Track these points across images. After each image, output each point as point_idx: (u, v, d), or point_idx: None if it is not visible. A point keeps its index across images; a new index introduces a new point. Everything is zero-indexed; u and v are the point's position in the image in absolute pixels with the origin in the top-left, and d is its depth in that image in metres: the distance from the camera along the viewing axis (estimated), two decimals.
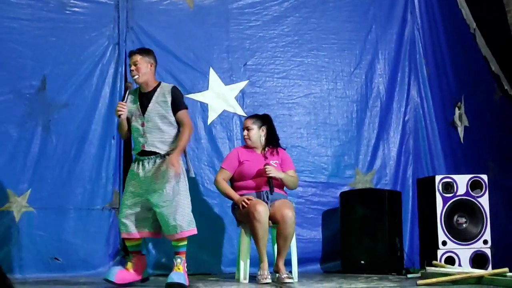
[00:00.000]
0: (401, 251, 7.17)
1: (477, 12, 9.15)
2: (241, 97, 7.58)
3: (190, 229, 5.61)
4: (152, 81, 5.70)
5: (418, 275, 6.23)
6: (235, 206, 6.21)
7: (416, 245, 7.53)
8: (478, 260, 6.88)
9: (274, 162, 6.27)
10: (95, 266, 6.94)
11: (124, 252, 7.18)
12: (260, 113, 6.65)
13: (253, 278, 6.03)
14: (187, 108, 5.73)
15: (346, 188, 7.59)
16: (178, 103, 5.63)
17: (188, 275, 5.61)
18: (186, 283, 5.45)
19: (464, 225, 6.99)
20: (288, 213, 5.91)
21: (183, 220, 5.54)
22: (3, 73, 6.98)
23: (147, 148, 5.59)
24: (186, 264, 5.62)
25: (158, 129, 5.59)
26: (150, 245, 7.10)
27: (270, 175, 6.04)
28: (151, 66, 5.68)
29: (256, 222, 5.82)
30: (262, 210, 5.84)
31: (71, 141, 7.04)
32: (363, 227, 7.10)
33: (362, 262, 7.00)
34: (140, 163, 5.61)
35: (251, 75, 7.65)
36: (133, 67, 5.63)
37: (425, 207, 7.20)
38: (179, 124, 5.64)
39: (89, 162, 7.05)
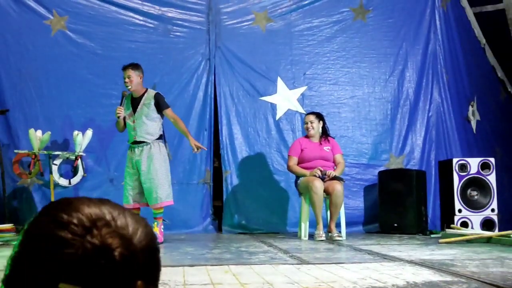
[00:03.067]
0: (426, 217, 7.09)
1: (486, 31, 8.98)
2: (302, 99, 7.59)
3: (168, 201, 5.63)
4: (140, 89, 5.73)
5: (439, 235, 6.17)
6: (297, 181, 6.27)
7: (438, 213, 7.43)
8: (487, 224, 6.77)
9: (326, 148, 6.31)
10: (192, 226, 7.11)
11: (214, 216, 7.33)
12: (316, 111, 6.68)
13: (311, 236, 6.06)
14: (169, 107, 5.76)
15: (382, 168, 7.51)
16: (161, 105, 5.69)
17: (261, 233, 5.67)
18: (160, 240, 5.47)
19: (475, 197, 6.89)
20: (338, 187, 5.94)
21: (162, 193, 5.56)
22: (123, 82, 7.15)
23: (137, 139, 5.67)
24: (162, 226, 5.69)
25: (144, 124, 5.65)
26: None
27: (333, 175, 6.06)
28: (140, 77, 5.70)
29: (314, 193, 5.87)
30: (318, 185, 5.89)
31: (174, 132, 7.13)
32: (396, 199, 7.03)
33: (396, 225, 6.95)
34: (133, 150, 5.70)
35: (309, 82, 7.65)
36: (126, 80, 5.64)
37: (444, 183, 7.12)
38: (169, 119, 5.79)
39: (188, 148, 7.05)
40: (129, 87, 5.65)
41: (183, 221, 7.05)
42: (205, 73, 7.38)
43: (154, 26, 7.33)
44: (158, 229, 5.58)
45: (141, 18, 7.28)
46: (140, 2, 7.28)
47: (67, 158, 6.82)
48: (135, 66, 5.69)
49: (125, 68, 5.70)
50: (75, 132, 6.69)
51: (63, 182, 6.76)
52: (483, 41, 9.01)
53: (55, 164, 6.70)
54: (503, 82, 9.80)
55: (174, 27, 7.36)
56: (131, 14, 7.26)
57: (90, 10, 7.18)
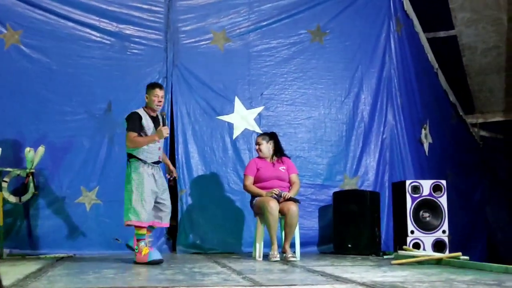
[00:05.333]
0: (379, 238, 7.15)
1: (439, 56, 9.20)
2: (259, 119, 7.61)
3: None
4: None
5: (392, 256, 6.22)
6: (253, 201, 6.25)
7: (391, 234, 7.50)
8: (438, 245, 6.85)
9: (282, 168, 6.32)
10: None
11: (168, 235, 7.24)
12: (269, 131, 6.68)
13: (265, 256, 6.03)
14: None
15: (337, 189, 7.55)
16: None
17: (215, 253, 5.68)
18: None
19: (427, 219, 6.96)
20: (293, 208, 5.94)
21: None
22: (78, 99, 7.07)
23: (159, 159, 5.70)
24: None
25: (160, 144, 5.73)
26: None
27: (288, 197, 6.07)
28: None
29: (269, 214, 5.86)
30: (273, 205, 5.88)
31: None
32: (350, 219, 7.08)
33: (349, 245, 6.98)
34: (155, 169, 5.66)
35: (266, 102, 7.67)
36: (161, 99, 5.65)
37: (398, 205, 7.18)
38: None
39: None
40: (160, 107, 5.66)
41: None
42: None
43: (111, 43, 7.24)
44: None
45: (98, 34, 7.19)
46: (97, 18, 7.19)
47: (18, 175, 6.65)
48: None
49: (162, 87, 5.71)
50: (27, 149, 6.53)
51: (13, 199, 6.59)
52: (436, 65, 9.23)
53: (5, 181, 6.52)
54: (455, 106, 10.05)
55: (131, 44, 7.30)
56: (88, 30, 7.17)
57: (45, 25, 7.06)
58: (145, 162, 5.54)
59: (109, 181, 6.98)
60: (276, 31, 7.74)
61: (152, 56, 7.35)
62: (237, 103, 7.53)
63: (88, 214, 6.92)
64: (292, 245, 6.13)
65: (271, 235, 5.92)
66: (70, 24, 7.12)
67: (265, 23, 7.70)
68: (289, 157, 6.55)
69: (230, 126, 7.50)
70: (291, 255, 5.90)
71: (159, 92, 5.61)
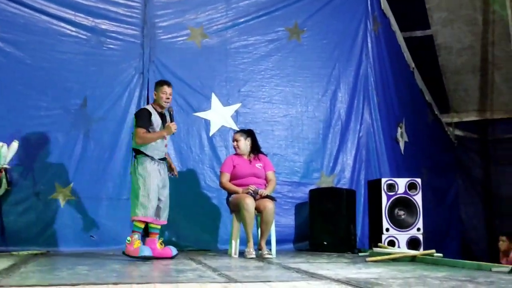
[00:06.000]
0: (355, 235, 7.19)
1: (415, 55, 9.27)
2: (236, 116, 7.59)
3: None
4: None
5: (367, 254, 6.25)
6: (229, 198, 6.24)
7: (366, 231, 7.54)
8: (413, 243, 6.91)
9: (258, 165, 6.32)
10: (121, 242, 6.85)
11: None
12: (246, 129, 6.67)
13: (241, 253, 6.02)
14: None
15: (313, 187, 7.57)
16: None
17: (191, 250, 5.69)
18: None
19: (402, 216, 7.01)
20: (269, 205, 5.94)
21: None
22: (54, 94, 6.96)
23: (165, 155, 5.72)
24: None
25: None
26: None
27: (264, 194, 6.07)
28: None
29: (245, 211, 5.85)
30: (249, 202, 5.87)
31: (105, 146, 7.04)
32: (326, 217, 7.11)
33: (325, 243, 7.00)
34: (161, 165, 5.67)
35: (243, 99, 7.66)
36: (169, 96, 5.67)
37: (373, 202, 7.23)
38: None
39: (119, 162, 7.04)
40: (169, 104, 5.70)
41: (112, 237, 6.85)
42: (138, 87, 7.24)
43: (87, 38, 7.14)
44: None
45: (73, 29, 7.09)
46: (72, 12, 7.09)
47: None
48: None
49: (170, 84, 5.72)
50: (0, 144, 6.44)
51: None
52: (412, 64, 9.30)
53: None
54: (431, 106, 10.14)
55: (108, 40, 7.21)
56: (63, 24, 7.06)
57: (20, 19, 6.93)
58: (152, 158, 5.57)
59: (84, 177, 6.91)
60: (254, 28, 7.74)
61: (128, 51, 7.28)
62: (214, 99, 7.50)
63: (63, 210, 6.82)
64: (268, 243, 6.13)
65: (247, 232, 5.91)
66: (45, 18, 7.01)
67: (242, 20, 7.69)
68: (265, 155, 6.54)
69: (207, 123, 7.47)
70: (267, 252, 5.89)
71: (167, 89, 5.65)
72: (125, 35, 7.29)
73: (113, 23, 7.25)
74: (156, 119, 5.60)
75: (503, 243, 7.93)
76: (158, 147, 5.62)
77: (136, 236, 5.46)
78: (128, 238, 5.46)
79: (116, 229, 6.87)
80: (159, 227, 5.71)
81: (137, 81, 7.27)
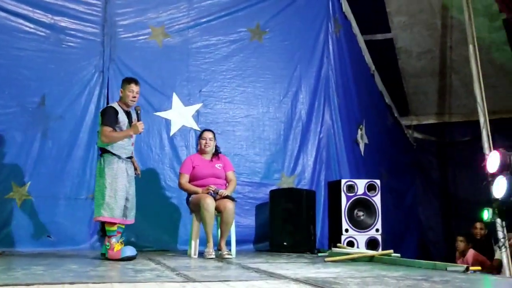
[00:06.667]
0: (314, 236, 7.24)
1: (376, 58, 9.38)
2: (197, 116, 7.57)
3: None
4: None
5: (326, 254, 6.30)
6: (189, 198, 6.21)
7: (326, 232, 7.61)
8: (371, 243, 6.99)
9: (218, 165, 6.31)
10: (79, 243, 6.84)
11: (102, 232, 7.11)
12: (210, 129, 6.65)
13: (201, 254, 6.00)
14: None
15: (274, 187, 7.60)
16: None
17: (150, 251, 5.66)
18: None
19: (361, 217, 7.09)
20: (229, 205, 5.94)
21: None
22: (11, 91, 6.83)
23: (131, 154, 5.65)
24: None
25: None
26: None
27: (224, 194, 6.06)
28: None
29: (205, 211, 5.83)
30: (209, 202, 5.86)
31: (63, 145, 6.94)
32: (286, 217, 7.14)
33: (285, 243, 7.03)
34: (128, 164, 5.60)
35: (205, 99, 7.64)
36: (136, 95, 5.58)
37: (333, 203, 7.29)
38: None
39: (77, 161, 6.95)
40: (134, 102, 5.59)
41: (70, 238, 6.77)
42: (98, 85, 7.16)
43: (46, 35, 7.02)
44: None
45: (31, 25, 6.96)
46: (30, 9, 6.95)
47: None
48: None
49: (137, 82, 5.61)
50: None
51: None
52: (373, 67, 9.41)
53: None
54: (390, 108, 10.27)
55: (67, 37, 7.10)
56: (21, 21, 6.92)
57: None
58: (119, 157, 5.49)
59: (42, 176, 6.79)
60: (216, 28, 7.74)
61: (88, 49, 7.19)
62: (175, 99, 7.46)
63: (19, 210, 6.69)
64: (228, 243, 6.12)
65: (206, 233, 5.89)
66: (2, 14, 6.85)
67: (204, 19, 7.68)
68: (224, 155, 6.54)
69: (168, 123, 7.43)
70: (226, 252, 5.88)
71: (134, 88, 5.56)
72: (85, 33, 7.20)
73: (72, 20, 7.15)
74: (122, 117, 5.52)
75: (460, 243, 8.07)
76: (125, 145, 5.55)
77: (114, 239, 5.41)
78: (107, 243, 5.42)
79: (73, 229, 6.79)
80: (123, 227, 5.64)
81: (97, 79, 7.18)
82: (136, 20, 7.43)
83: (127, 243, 6.87)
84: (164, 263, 5.07)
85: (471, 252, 7.85)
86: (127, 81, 5.65)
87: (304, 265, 5.06)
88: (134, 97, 5.56)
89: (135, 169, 5.86)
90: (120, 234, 5.57)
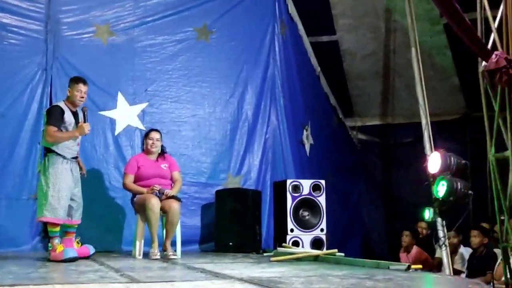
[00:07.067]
0: (260, 236, 7.27)
1: (322, 60, 9.48)
2: (142, 115, 7.49)
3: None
4: None
5: (271, 254, 6.33)
6: (133, 198, 6.16)
7: (272, 232, 7.66)
8: (316, 243, 7.07)
9: (164, 165, 6.27)
10: (20, 244, 6.67)
11: (44, 233, 6.96)
12: (157, 129, 6.60)
13: (146, 254, 5.95)
14: None
15: (220, 187, 7.60)
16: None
17: (94, 252, 5.64)
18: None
19: (307, 217, 7.17)
20: (174, 205, 5.91)
21: None
22: None
23: (77, 154, 5.58)
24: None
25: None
26: None
27: (170, 194, 6.02)
28: None
29: (150, 211, 5.79)
30: (154, 202, 5.82)
31: (5, 144, 6.75)
32: (232, 217, 7.15)
33: (231, 244, 7.04)
34: (73, 165, 5.52)
35: (150, 99, 7.56)
36: (84, 95, 5.51)
37: (278, 203, 7.34)
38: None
39: (19, 161, 6.77)
40: (82, 103, 5.50)
41: (11, 239, 6.58)
42: (41, 84, 6.98)
43: None
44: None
45: None
46: None
47: None
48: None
49: (85, 82, 5.51)
50: None
51: None
52: (318, 69, 9.52)
53: None
54: (335, 109, 10.40)
55: (9, 34, 6.89)
56: None
57: None
58: (64, 157, 5.39)
59: None
60: (162, 28, 7.67)
61: (31, 47, 7.01)
62: (120, 98, 7.37)
63: None
64: (174, 243, 6.09)
65: (152, 233, 5.85)
66: None
67: (150, 18, 7.60)
68: (170, 154, 6.51)
69: (113, 122, 7.32)
70: (172, 253, 5.86)
71: (82, 87, 5.49)
72: (27, 30, 7.01)
73: (15, 17, 6.96)
74: (69, 117, 5.43)
75: (406, 238, 8.23)
76: (70, 146, 5.46)
77: (56, 240, 5.34)
78: (50, 244, 5.35)
79: (15, 230, 6.63)
80: (75, 226, 5.57)
81: (40, 77, 7.01)
82: (81, 18, 7.28)
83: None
84: (108, 264, 5.01)
85: (415, 249, 8.06)
86: (75, 80, 5.57)
87: (250, 265, 5.08)
88: (82, 97, 5.49)
89: (81, 168, 5.78)
90: (74, 234, 5.55)
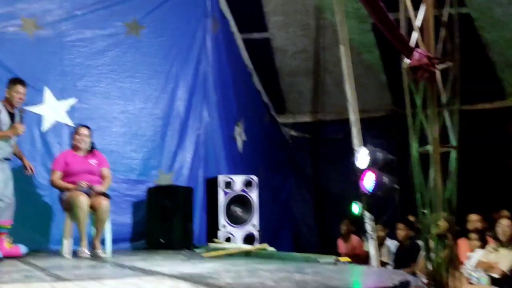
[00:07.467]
0: (192, 232, 7.24)
1: (254, 57, 9.51)
2: (71, 111, 7.31)
3: None
4: None
5: (202, 250, 6.32)
6: (61, 196, 6.02)
7: (204, 228, 7.64)
8: (248, 238, 7.11)
9: (93, 161, 6.17)
10: None
11: None
12: (86, 125, 6.46)
13: (75, 253, 5.84)
14: None
15: (151, 184, 7.53)
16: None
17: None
18: None
19: (238, 213, 7.20)
20: (104, 203, 5.84)
21: None
22: None
23: (10, 156, 5.59)
24: None
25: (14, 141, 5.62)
26: None
27: (99, 190, 5.92)
28: None
29: (78, 209, 5.69)
30: (83, 200, 5.72)
31: None
32: (163, 214, 7.10)
33: (162, 241, 6.99)
34: (6, 165, 5.50)
35: (80, 94, 7.38)
36: (22, 96, 5.50)
37: (211, 199, 7.35)
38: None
39: None
40: (20, 104, 5.46)
41: None
42: None
43: None
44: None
45: None
46: None
47: None
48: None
49: (24, 84, 5.45)
50: None
51: None
52: (250, 66, 9.54)
53: None
54: (267, 106, 10.46)
55: None
56: None
57: None
58: None
59: None
60: (91, 22, 7.51)
61: None
62: (48, 93, 7.16)
63: None
64: (103, 242, 5.99)
65: (80, 231, 5.75)
66: None
67: (79, 12, 7.43)
68: (99, 151, 6.41)
69: (39, 118, 7.11)
70: (101, 251, 5.77)
71: (20, 89, 5.47)
72: None
73: None
74: (4, 117, 5.39)
75: (343, 226, 8.35)
76: (3, 146, 5.41)
77: None
78: None
79: None
80: (8, 226, 5.50)
81: None
82: (6, 11, 7.03)
83: None
84: (34, 263, 4.89)
85: (356, 238, 8.20)
86: (13, 82, 5.56)
87: (181, 262, 5.07)
88: (21, 98, 5.49)
89: (25, 168, 5.74)
90: (5, 235, 5.50)
